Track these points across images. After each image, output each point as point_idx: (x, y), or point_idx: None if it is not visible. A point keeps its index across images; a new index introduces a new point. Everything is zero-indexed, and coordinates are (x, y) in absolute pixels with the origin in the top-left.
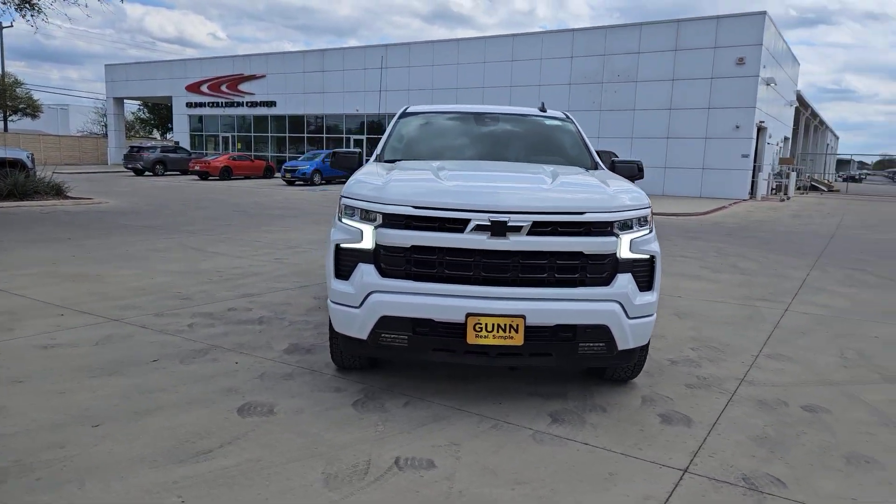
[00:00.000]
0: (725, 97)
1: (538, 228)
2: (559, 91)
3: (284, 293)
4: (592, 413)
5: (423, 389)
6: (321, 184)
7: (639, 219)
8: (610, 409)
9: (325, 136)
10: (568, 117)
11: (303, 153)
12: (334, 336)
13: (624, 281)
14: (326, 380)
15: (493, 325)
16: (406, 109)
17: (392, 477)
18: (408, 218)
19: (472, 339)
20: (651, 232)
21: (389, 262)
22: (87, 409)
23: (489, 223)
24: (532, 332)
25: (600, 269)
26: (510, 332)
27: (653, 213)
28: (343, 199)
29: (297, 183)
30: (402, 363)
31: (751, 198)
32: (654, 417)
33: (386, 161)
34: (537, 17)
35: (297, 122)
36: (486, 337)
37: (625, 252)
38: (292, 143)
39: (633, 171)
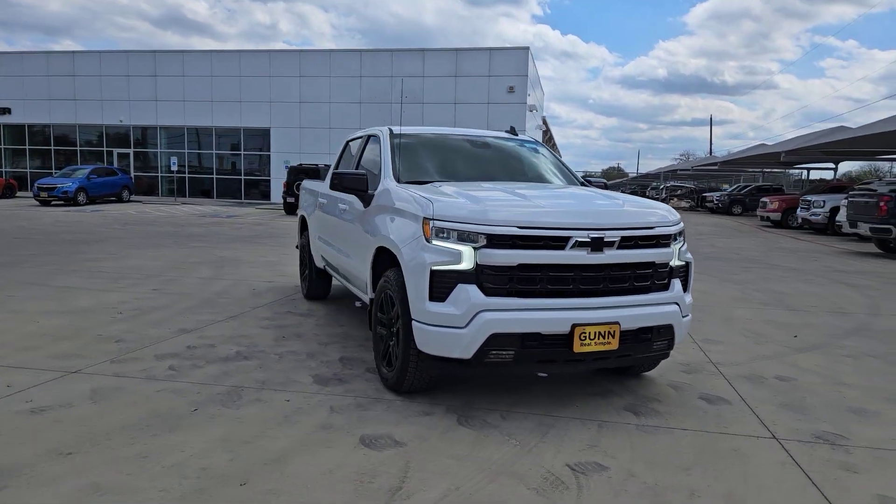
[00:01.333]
0: (501, 121)
1: (625, 243)
2: (350, 109)
3: (222, 325)
4: (656, 404)
5: (492, 402)
6: (86, 203)
7: (681, 231)
8: (663, 400)
9: (79, 148)
10: (537, 141)
11: (52, 169)
12: (387, 359)
13: (677, 285)
14: (403, 405)
15: (595, 332)
16: (394, 130)
17: (593, 483)
18: (514, 238)
19: (577, 347)
20: (685, 242)
21: (493, 280)
22: (220, 471)
23: (589, 240)
24: (623, 336)
25: (663, 276)
26: (608, 338)
27: None
28: (434, 221)
29: (54, 203)
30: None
31: None
32: (698, 401)
33: (412, 182)
34: (280, 31)
35: (40, 132)
36: (589, 344)
37: (675, 260)
38: (35, 156)
39: (601, 188)
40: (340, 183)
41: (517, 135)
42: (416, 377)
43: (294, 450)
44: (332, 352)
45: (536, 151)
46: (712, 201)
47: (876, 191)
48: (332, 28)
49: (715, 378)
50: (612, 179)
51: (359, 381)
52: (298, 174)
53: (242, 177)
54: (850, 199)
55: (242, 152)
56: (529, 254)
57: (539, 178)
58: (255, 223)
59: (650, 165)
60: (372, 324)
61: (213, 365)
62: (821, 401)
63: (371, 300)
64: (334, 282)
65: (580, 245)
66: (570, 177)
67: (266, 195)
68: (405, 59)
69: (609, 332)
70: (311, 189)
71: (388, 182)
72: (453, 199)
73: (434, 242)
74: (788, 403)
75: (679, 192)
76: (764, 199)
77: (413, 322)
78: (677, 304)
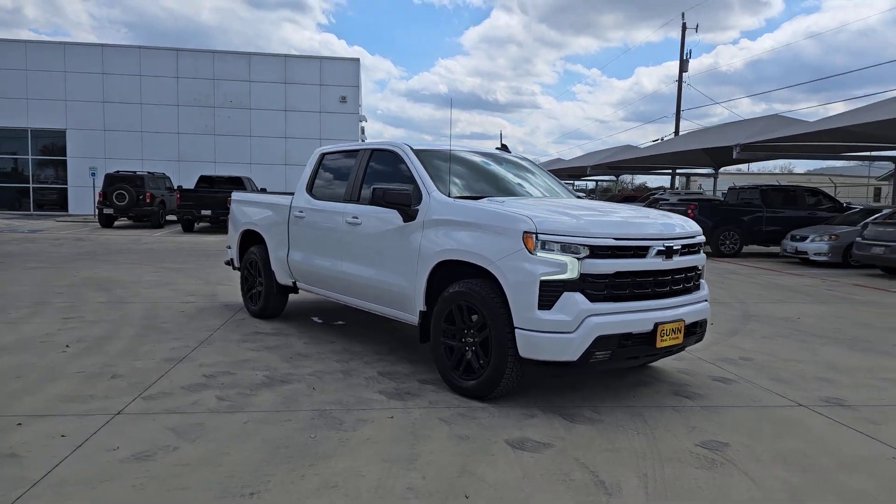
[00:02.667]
0: (334, 130)
1: (684, 250)
2: (166, 112)
3: (206, 350)
4: (688, 388)
5: (567, 399)
6: None
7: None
8: (690, 384)
9: None
10: (525, 157)
11: None
12: (463, 369)
13: (705, 285)
14: (502, 411)
15: (671, 329)
16: (416, 147)
17: (736, 456)
18: (612, 248)
19: (658, 343)
20: None
21: (594, 287)
22: (429, 488)
23: (664, 248)
24: (686, 330)
25: (698, 278)
26: (678, 333)
27: None
28: (539, 234)
29: None
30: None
31: None
32: (715, 382)
33: (462, 197)
34: (26, 17)
35: None
36: (665, 340)
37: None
38: None
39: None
40: (384, 197)
41: (510, 152)
42: (510, 383)
43: (464, 460)
44: (363, 368)
45: (534, 168)
46: None
47: (668, 200)
48: (92, 18)
49: (703, 363)
50: None
51: (428, 393)
52: (115, 182)
53: (31, 185)
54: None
55: (31, 157)
56: (623, 262)
57: (553, 193)
58: (76, 238)
59: None
60: (432, 336)
61: (263, 391)
62: (790, 374)
63: (423, 312)
64: (292, 297)
65: (658, 253)
66: (568, 191)
67: (62, 205)
68: (229, 62)
69: (678, 329)
70: (269, 203)
71: (438, 196)
72: (553, 214)
73: (539, 254)
74: (774, 378)
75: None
76: None
77: (517, 330)
78: (706, 300)
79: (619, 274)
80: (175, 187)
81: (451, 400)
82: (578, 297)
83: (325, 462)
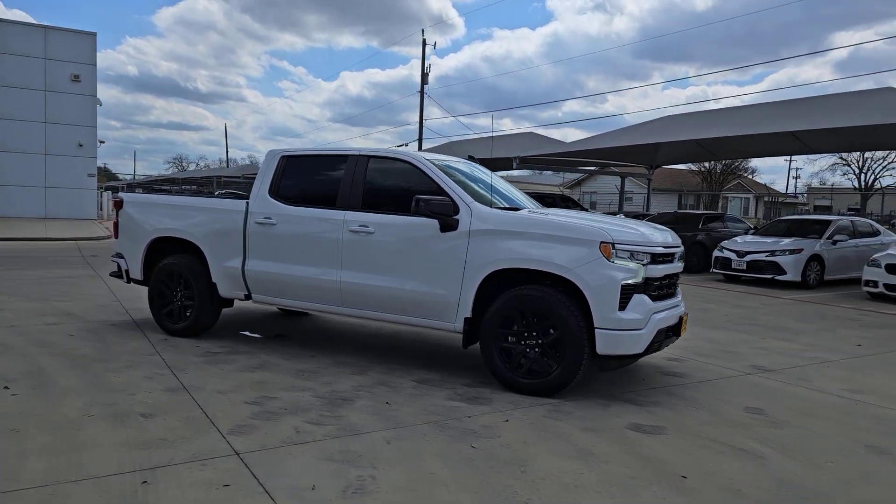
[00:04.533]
0: (65, 113)
1: (680, 256)
2: None
3: (200, 376)
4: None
5: (605, 393)
6: None
7: None
8: (682, 372)
9: None
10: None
11: None
12: (523, 370)
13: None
14: (578, 404)
15: (684, 320)
16: (431, 158)
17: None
18: (662, 255)
19: (682, 332)
20: None
21: (650, 289)
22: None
23: (680, 255)
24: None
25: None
26: (685, 324)
27: None
28: (616, 244)
29: None
30: None
31: (100, 219)
32: (712, 367)
33: (501, 208)
34: None
35: None
36: (683, 329)
37: None
38: None
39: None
40: (429, 208)
41: (477, 163)
42: (582, 377)
43: (629, 447)
44: (397, 380)
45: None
46: None
47: None
48: None
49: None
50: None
51: (495, 396)
52: None
53: None
54: None
55: None
56: (665, 267)
57: (532, 204)
58: None
59: (130, 168)
60: (484, 341)
61: (345, 409)
62: (771, 361)
63: (468, 319)
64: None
65: (679, 258)
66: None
67: None
68: None
69: (685, 320)
70: (206, 207)
71: (480, 208)
72: (616, 227)
73: (617, 262)
74: (756, 365)
75: None
76: None
77: (597, 330)
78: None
79: (665, 276)
80: None
81: (523, 400)
82: (645, 298)
83: (519, 468)
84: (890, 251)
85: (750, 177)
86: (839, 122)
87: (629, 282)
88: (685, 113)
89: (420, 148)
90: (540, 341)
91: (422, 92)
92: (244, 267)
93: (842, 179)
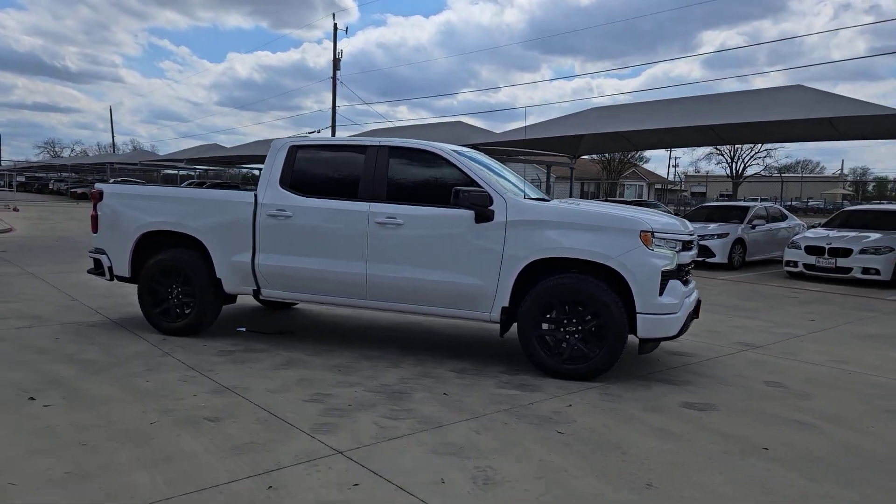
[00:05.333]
0: None
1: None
2: None
3: (228, 377)
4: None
5: (638, 375)
6: None
7: None
8: (685, 351)
9: None
10: None
11: None
12: (565, 356)
13: None
14: (623, 386)
15: (700, 305)
16: (457, 149)
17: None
18: (689, 242)
19: (699, 315)
20: None
21: (679, 275)
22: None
23: (697, 242)
24: None
25: None
26: (700, 308)
27: None
28: (655, 233)
29: None
30: None
31: None
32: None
33: (532, 199)
34: None
35: None
36: (700, 312)
37: None
38: None
39: None
40: (468, 199)
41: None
42: (615, 359)
43: (699, 423)
44: (435, 370)
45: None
46: None
47: None
48: None
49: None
50: None
51: (541, 382)
52: None
53: None
54: None
55: None
56: (690, 254)
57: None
58: None
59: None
60: (522, 330)
61: (406, 405)
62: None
63: (505, 308)
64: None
65: (695, 246)
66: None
67: None
68: None
69: (700, 304)
70: (207, 199)
71: (516, 199)
72: (652, 217)
73: (656, 250)
74: (741, 342)
75: None
76: None
77: (639, 315)
78: None
79: (691, 263)
80: None
81: (569, 385)
82: (679, 284)
83: (627, 445)
84: (807, 234)
85: (644, 166)
86: (753, 116)
87: (666, 268)
88: (609, 105)
89: (333, 135)
90: (580, 328)
91: (334, 78)
92: (254, 261)
93: (716, 168)
